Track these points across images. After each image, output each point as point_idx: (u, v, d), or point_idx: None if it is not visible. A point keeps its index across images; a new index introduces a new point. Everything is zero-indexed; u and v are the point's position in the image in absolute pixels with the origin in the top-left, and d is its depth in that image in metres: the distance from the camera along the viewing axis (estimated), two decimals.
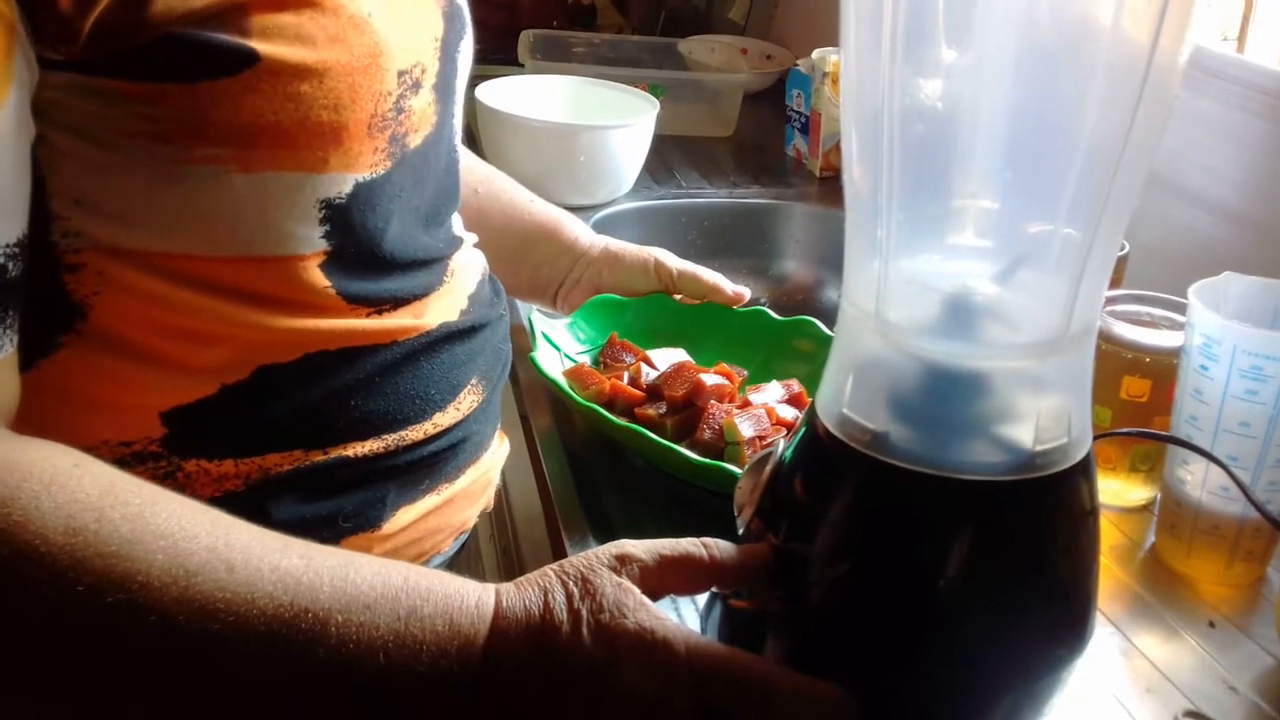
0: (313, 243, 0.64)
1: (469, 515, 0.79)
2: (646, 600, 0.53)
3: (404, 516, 0.72)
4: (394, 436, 0.69)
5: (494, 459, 0.82)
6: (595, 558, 0.55)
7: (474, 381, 0.76)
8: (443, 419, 0.73)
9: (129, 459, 0.62)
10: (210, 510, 0.52)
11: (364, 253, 0.66)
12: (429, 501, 0.73)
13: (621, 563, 0.54)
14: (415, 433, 0.71)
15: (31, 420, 0.56)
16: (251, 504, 0.56)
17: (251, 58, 0.56)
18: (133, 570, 0.48)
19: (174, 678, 0.49)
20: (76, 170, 0.57)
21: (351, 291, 0.66)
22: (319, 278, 0.64)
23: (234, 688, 0.50)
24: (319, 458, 0.66)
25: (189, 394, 0.62)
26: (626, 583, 0.53)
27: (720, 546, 0.56)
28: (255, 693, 0.50)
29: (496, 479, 0.83)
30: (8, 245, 0.54)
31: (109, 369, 0.61)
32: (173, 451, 0.63)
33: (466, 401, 0.75)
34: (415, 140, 0.68)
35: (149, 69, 0.55)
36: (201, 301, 0.61)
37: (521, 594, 0.53)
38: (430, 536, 0.75)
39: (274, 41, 0.57)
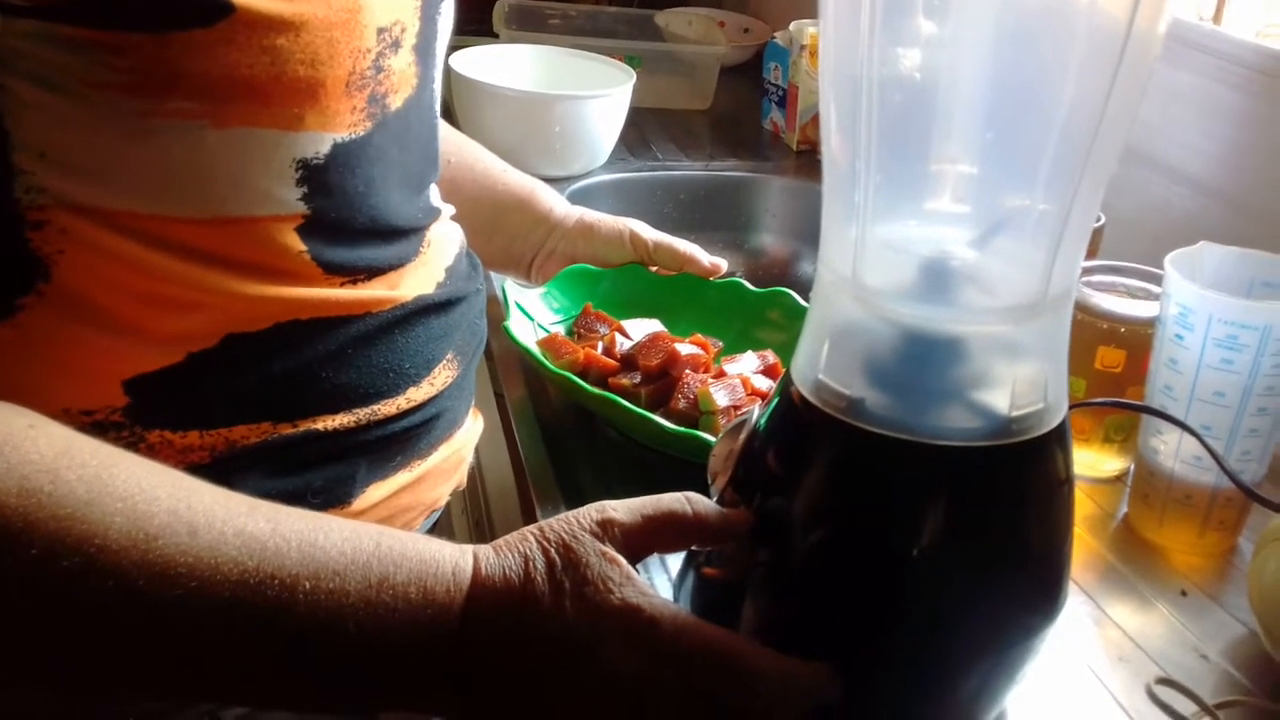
0: (289, 204, 0.62)
1: (441, 493, 0.78)
2: (633, 573, 0.52)
3: (375, 493, 0.70)
4: (365, 410, 0.68)
5: (467, 436, 0.80)
6: (577, 522, 0.54)
7: (449, 356, 0.75)
8: (416, 394, 0.71)
9: (89, 429, 0.59)
10: (172, 472, 0.51)
11: (342, 217, 0.65)
12: (401, 478, 0.72)
13: (604, 528, 0.53)
14: (388, 407, 0.69)
15: None
16: (217, 477, 0.55)
17: (226, 8, 0.55)
18: (89, 533, 0.46)
19: (135, 645, 0.48)
20: (42, 123, 0.55)
21: (327, 258, 0.65)
22: (295, 242, 0.63)
23: (198, 655, 0.49)
24: (288, 430, 0.65)
25: (154, 361, 0.61)
26: (612, 552, 0.53)
27: (704, 502, 0.56)
28: (220, 661, 0.49)
29: (469, 457, 0.82)
30: None
31: (71, 334, 0.59)
32: (135, 421, 0.61)
33: (441, 377, 0.74)
34: (396, 102, 0.66)
35: (119, 18, 0.53)
36: (171, 264, 0.60)
37: (501, 559, 0.52)
38: (401, 514, 0.74)
39: None
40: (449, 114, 1.37)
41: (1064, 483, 0.54)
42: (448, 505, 0.82)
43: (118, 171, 0.57)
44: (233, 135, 0.58)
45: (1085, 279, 0.85)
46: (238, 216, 0.61)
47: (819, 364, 0.53)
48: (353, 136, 0.63)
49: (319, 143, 0.62)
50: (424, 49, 0.69)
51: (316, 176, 0.62)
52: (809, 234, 1.41)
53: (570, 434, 0.88)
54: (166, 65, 0.55)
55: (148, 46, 0.54)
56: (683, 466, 0.80)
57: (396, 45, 0.64)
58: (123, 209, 0.58)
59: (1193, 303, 0.72)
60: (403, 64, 0.66)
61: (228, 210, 0.60)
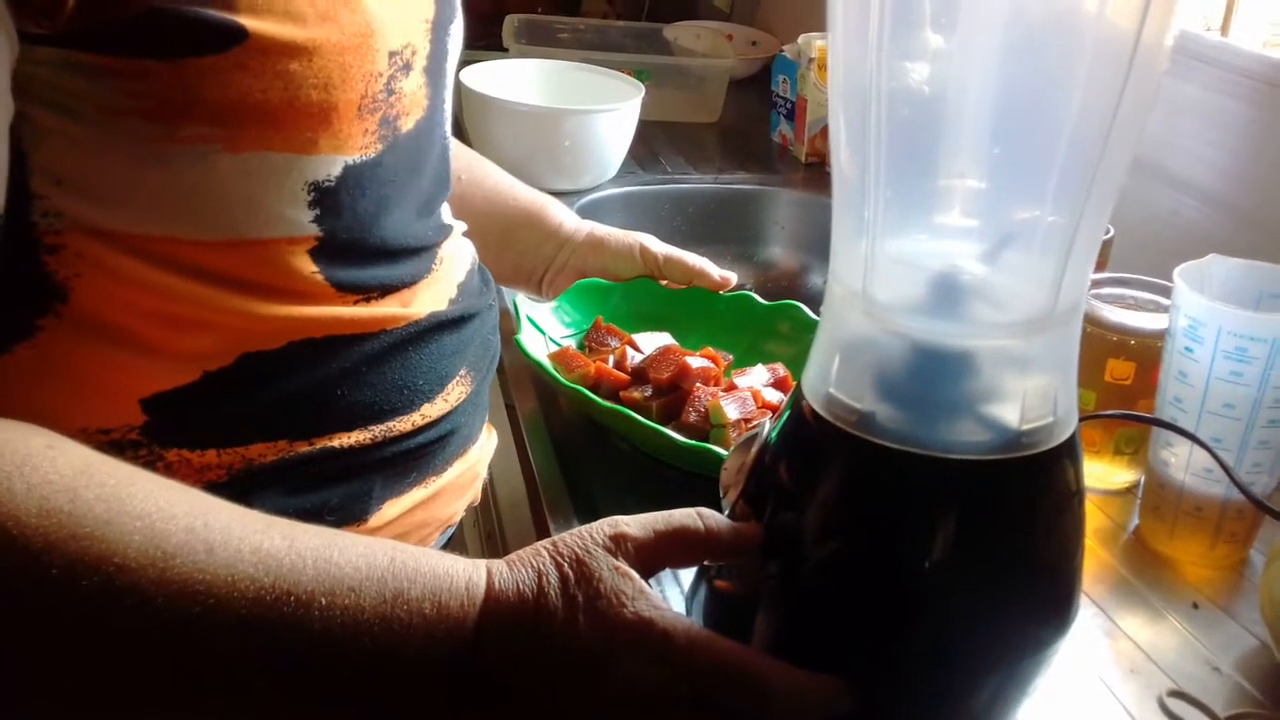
0: (302, 226, 0.62)
1: (456, 509, 0.79)
2: (645, 587, 0.53)
3: (390, 510, 0.71)
4: (381, 428, 0.68)
5: (482, 452, 0.81)
6: (590, 537, 0.54)
7: (463, 372, 0.75)
8: (431, 410, 0.72)
9: (108, 448, 0.60)
10: (190, 490, 0.52)
11: (354, 238, 0.65)
12: (416, 495, 0.73)
13: (616, 543, 0.53)
14: (403, 424, 0.70)
15: (4, 408, 0.55)
16: (235, 496, 0.55)
17: (240, 34, 0.55)
18: (108, 552, 0.47)
19: (153, 662, 0.48)
20: (58, 148, 0.56)
21: (339, 278, 0.65)
22: (307, 263, 0.63)
23: (216, 672, 0.49)
24: (304, 448, 0.65)
25: (170, 380, 0.61)
26: (624, 566, 0.53)
27: (716, 517, 0.56)
28: (238, 678, 0.49)
29: (484, 473, 0.83)
30: None
31: (88, 354, 0.60)
32: (153, 440, 0.61)
33: (455, 393, 0.74)
34: (407, 124, 0.67)
35: (135, 45, 0.54)
36: (185, 286, 0.60)
37: (514, 574, 0.53)
38: (416, 531, 0.74)
39: (263, 18, 0.56)
40: (459, 129, 1.38)
41: (1075, 495, 0.54)
42: (460, 522, 0.83)
43: (133, 196, 0.58)
44: (247, 159, 0.59)
45: (1094, 291, 0.85)
46: (251, 239, 0.61)
47: (830, 378, 0.53)
48: (364, 158, 0.64)
49: (331, 165, 0.62)
50: (434, 70, 0.69)
51: (328, 198, 0.63)
52: (818, 247, 1.42)
53: (582, 447, 0.88)
54: (182, 91, 0.56)
55: (163, 73, 0.55)
56: (694, 480, 0.81)
57: (408, 68, 0.65)
58: (138, 232, 0.59)
59: (1202, 315, 0.72)
60: (414, 86, 0.66)
61: (241, 233, 0.61)
